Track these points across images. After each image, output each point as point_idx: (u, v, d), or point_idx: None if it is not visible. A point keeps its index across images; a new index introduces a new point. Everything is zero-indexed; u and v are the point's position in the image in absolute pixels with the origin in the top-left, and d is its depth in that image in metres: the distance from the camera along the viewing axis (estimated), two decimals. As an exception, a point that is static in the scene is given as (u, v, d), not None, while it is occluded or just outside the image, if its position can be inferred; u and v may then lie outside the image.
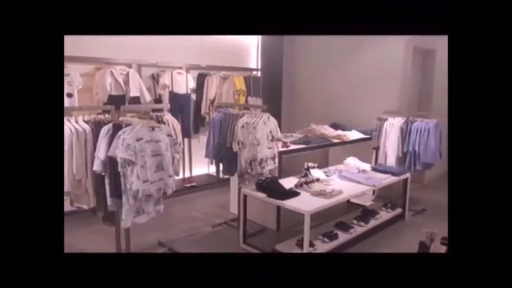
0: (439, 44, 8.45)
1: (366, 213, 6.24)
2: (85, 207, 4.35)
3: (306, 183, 5.45)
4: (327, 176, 6.05)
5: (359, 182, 5.77)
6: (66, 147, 4.00)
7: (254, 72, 9.28)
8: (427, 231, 3.97)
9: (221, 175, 5.85)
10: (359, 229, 5.81)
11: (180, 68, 7.72)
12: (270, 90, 9.24)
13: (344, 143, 7.22)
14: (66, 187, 4.08)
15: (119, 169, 3.90)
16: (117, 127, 4.08)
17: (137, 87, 6.85)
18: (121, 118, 4.27)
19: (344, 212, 6.55)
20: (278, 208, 5.79)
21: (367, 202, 7.17)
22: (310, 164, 6.10)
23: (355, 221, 5.94)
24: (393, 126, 6.88)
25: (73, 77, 5.98)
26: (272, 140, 5.39)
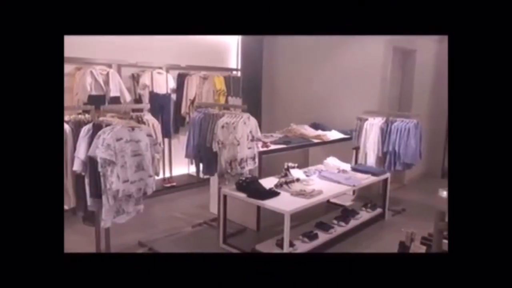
0: (419, 44, 8.51)
1: (346, 213, 6.26)
2: (65, 207, 4.33)
3: (286, 183, 5.46)
4: (307, 176, 6.06)
5: (339, 182, 5.79)
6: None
7: (234, 72, 9.28)
8: (407, 231, 3.99)
9: (201, 175, 5.86)
10: (339, 229, 5.83)
11: (160, 68, 7.71)
12: (250, 90, 9.26)
13: (324, 143, 7.25)
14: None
15: (99, 169, 3.90)
16: (97, 127, 4.07)
17: (117, 87, 6.83)
18: (101, 118, 4.26)
19: (324, 212, 6.58)
20: (258, 208, 5.79)
21: (347, 202, 7.19)
22: (290, 164, 6.12)
23: (335, 221, 5.96)
24: (373, 126, 6.90)
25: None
26: (252, 140, 5.40)
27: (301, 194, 5.14)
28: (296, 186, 5.42)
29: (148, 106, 5.71)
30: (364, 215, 6.47)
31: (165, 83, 7.70)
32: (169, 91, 7.82)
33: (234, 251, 5.34)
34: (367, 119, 7.06)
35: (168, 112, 7.79)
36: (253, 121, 5.41)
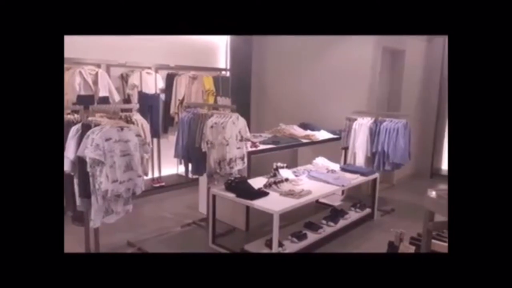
0: (408, 44, 8.54)
1: (335, 213, 6.27)
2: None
3: (275, 183, 5.46)
4: (296, 176, 6.07)
5: (328, 182, 5.80)
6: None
7: (223, 72, 9.26)
8: (396, 231, 4.00)
9: (190, 175, 5.85)
10: (328, 229, 5.84)
11: (149, 68, 7.68)
12: (239, 90, 9.25)
13: (313, 143, 7.25)
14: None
15: (88, 169, 3.89)
16: (86, 127, 4.07)
17: (106, 87, 6.80)
18: (90, 118, 4.25)
19: (313, 212, 6.59)
20: (247, 208, 5.79)
21: (336, 202, 7.20)
22: (279, 164, 6.12)
23: (324, 221, 5.97)
24: (362, 126, 6.92)
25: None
26: (241, 140, 5.41)
27: (290, 194, 5.15)
28: (285, 186, 5.42)
29: (137, 106, 5.71)
30: (353, 215, 6.48)
31: (154, 83, 7.68)
32: (158, 91, 7.79)
33: (223, 251, 5.34)
34: (356, 119, 7.07)
35: (157, 112, 7.76)
36: (242, 121, 5.42)
